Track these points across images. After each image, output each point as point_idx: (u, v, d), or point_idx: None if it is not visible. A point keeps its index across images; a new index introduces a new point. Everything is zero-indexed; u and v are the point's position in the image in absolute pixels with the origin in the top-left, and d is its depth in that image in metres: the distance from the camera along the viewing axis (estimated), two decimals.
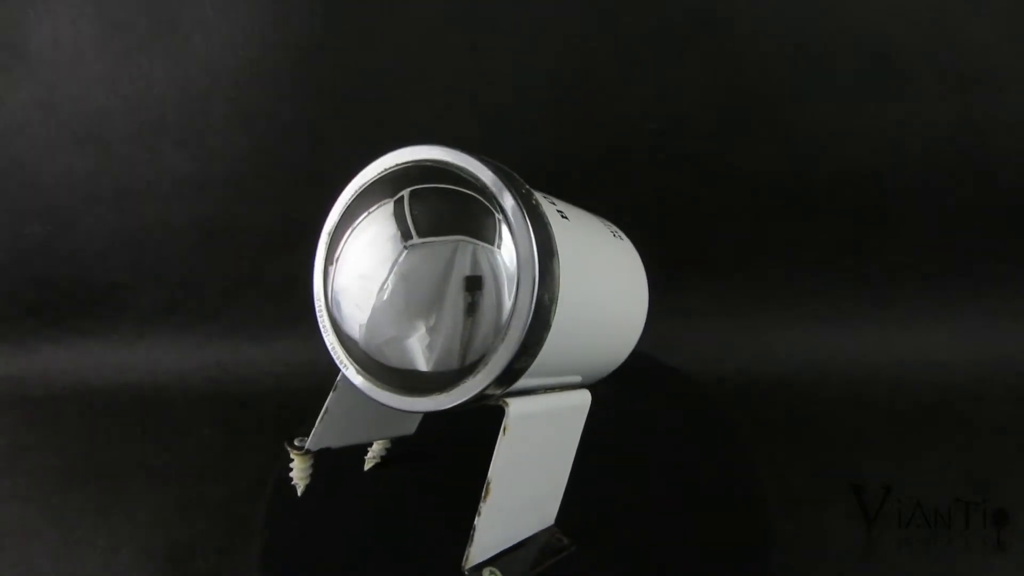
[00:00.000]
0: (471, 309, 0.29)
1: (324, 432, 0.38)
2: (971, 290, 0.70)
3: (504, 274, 0.29)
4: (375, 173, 0.32)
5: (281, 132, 0.71)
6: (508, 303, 0.28)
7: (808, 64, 0.67)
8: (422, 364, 0.30)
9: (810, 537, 0.45)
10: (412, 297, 0.29)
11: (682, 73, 0.68)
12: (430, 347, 0.29)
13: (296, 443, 0.39)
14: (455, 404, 0.29)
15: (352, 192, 0.32)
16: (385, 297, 0.30)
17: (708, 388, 0.59)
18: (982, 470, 0.53)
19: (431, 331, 0.29)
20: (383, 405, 0.31)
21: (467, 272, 0.29)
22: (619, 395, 0.46)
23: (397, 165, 0.31)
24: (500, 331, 0.28)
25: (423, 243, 0.29)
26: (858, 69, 0.67)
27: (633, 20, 0.67)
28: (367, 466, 0.44)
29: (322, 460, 0.39)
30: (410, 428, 0.44)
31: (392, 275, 0.30)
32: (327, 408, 0.37)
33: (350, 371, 0.31)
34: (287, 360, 0.71)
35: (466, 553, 0.30)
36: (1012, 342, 0.67)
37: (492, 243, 0.29)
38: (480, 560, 0.31)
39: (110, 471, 0.58)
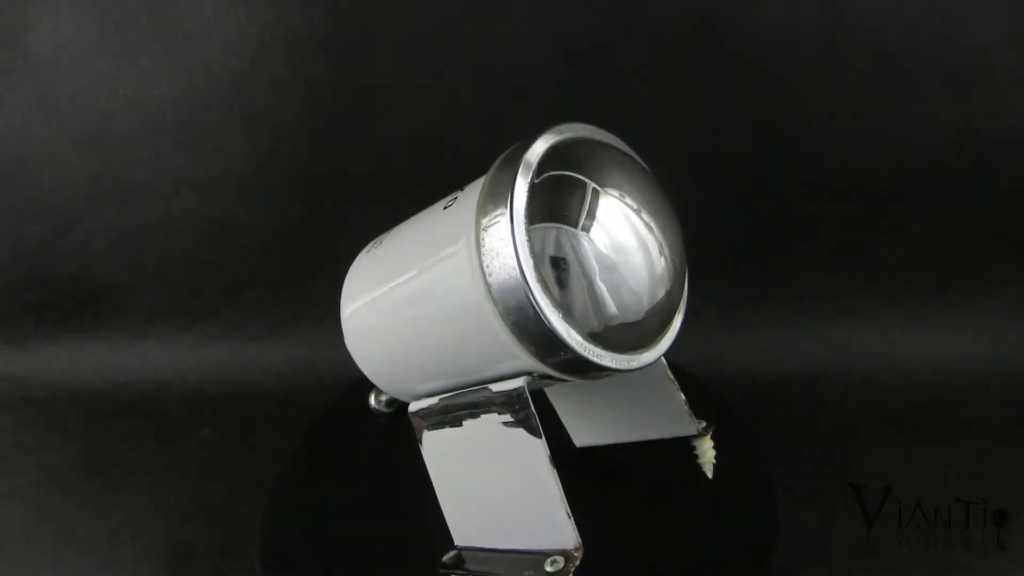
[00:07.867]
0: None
1: None
2: (971, 290, 0.70)
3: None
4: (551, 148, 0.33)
5: (281, 132, 0.70)
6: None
7: (808, 64, 0.67)
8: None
9: (810, 537, 0.45)
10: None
11: (682, 73, 0.68)
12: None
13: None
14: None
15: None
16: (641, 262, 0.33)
17: (709, 388, 0.59)
18: (982, 470, 0.53)
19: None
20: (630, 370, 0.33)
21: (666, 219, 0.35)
22: None
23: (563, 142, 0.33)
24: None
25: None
26: (858, 69, 0.67)
27: (633, 21, 0.67)
28: None
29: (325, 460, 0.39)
30: None
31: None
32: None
33: (635, 361, 0.33)
34: (287, 360, 0.71)
35: None
36: (1012, 342, 0.67)
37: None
38: None
39: (110, 471, 0.58)
